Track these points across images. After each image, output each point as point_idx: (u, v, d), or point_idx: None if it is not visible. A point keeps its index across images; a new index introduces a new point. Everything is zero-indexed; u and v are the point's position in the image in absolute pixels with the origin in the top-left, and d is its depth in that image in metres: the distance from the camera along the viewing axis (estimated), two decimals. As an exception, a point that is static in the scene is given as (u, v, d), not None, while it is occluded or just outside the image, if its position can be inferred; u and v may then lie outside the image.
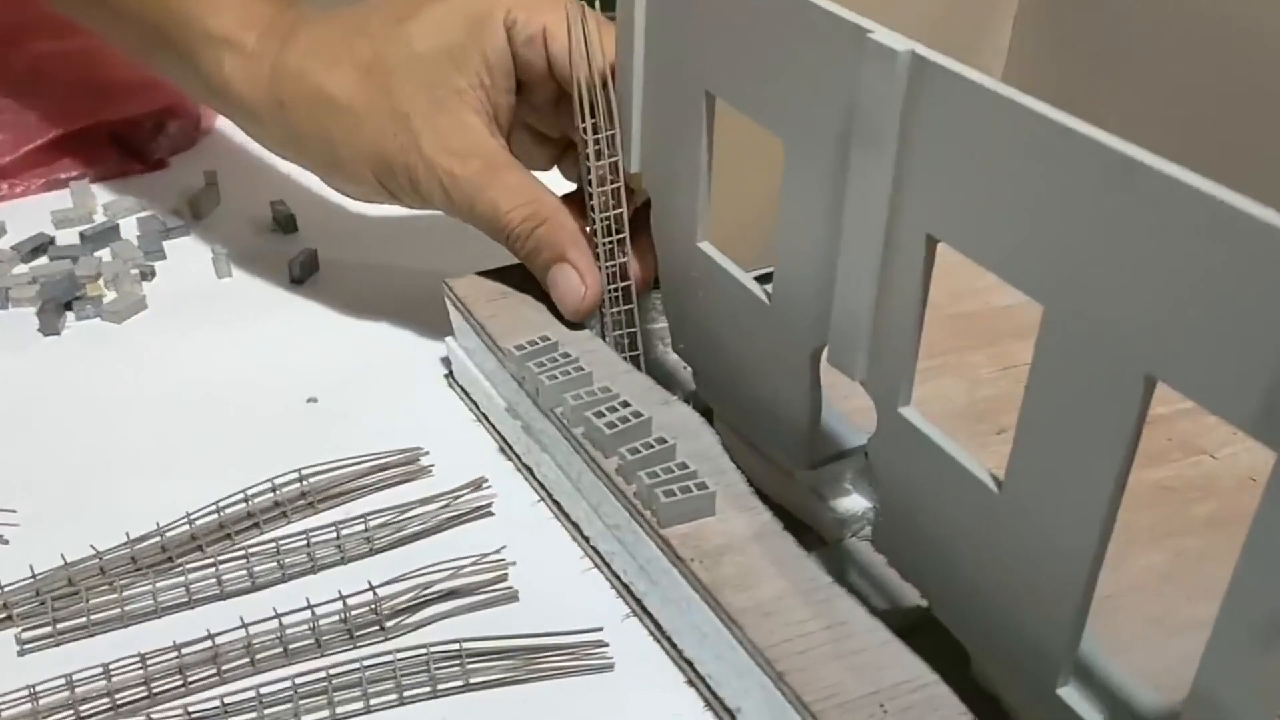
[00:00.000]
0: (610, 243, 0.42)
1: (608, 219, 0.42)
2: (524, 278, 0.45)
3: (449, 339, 0.47)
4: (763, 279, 0.45)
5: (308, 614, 0.36)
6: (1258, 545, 0.22)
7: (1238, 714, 0.24)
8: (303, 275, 0.55)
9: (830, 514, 0.39)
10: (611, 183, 0.41)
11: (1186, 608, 0.33)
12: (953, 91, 0.27)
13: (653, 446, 0.36)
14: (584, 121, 0.40)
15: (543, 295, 0.44)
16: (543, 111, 0.47)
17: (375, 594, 0.36)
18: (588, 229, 0.43)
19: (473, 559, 0.37)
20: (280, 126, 0.48)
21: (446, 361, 0.48)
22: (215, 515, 0.39)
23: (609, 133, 0.41)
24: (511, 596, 0.38)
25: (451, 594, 0.37)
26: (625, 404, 0.38)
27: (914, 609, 0.36)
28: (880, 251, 0.30)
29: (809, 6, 0.31)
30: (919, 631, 0.33)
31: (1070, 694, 0.29)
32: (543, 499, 0.42)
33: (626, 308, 0.43)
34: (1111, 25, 0.43)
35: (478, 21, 0.45)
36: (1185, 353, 0.23)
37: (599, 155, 0.41)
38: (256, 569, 0.38)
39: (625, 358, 0.43)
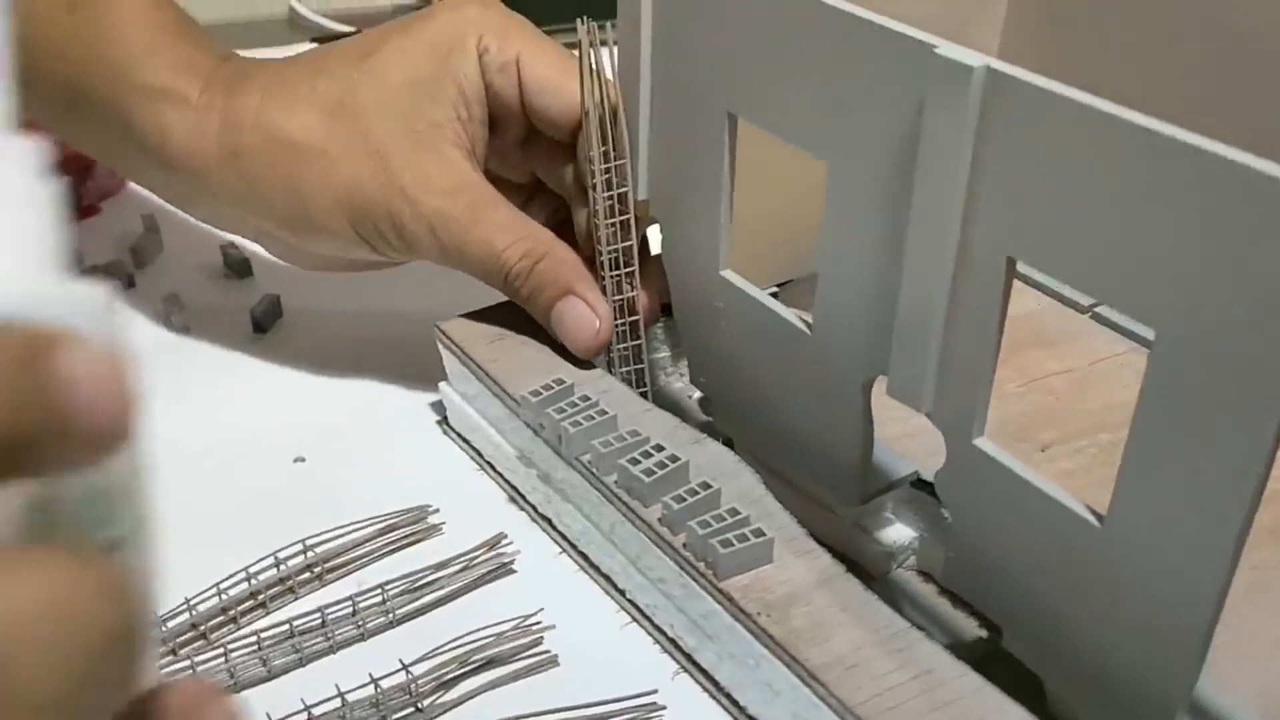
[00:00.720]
0: (618, 275, 0.40)
1: (615, 252, 0.40)
2: (518, 316, 0.43)
3: (443, 384, 0.44)
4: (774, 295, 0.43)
5: (337, 702, 0.33)
6: None
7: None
8: (266, 323, 0.51)
9: (876, 547, 0.37)
10: (620, 214, 0.39)
11: (1275, 625, 0.32)
12: (1036, 107, 0.26)
13: (697, 493, 0.34)
14: (593, 150, 0.38)
15: (542, 334, 0.42)
16: (508, 153, 0.45)
17: (409, 672, 0.34)
18: (596, 262, 0.40)
19: (513, 623, 0.35)
20: (235, 181, 0.43)
21: (439, 407, 0.45)
22: (216, 598, 0.36)
23: (618, 162, 0.38)
24: (551, 661, 0.35)
25: (488, 664, 0.35)
26: (659, 448, 0.36)
27: (978, 641, 0.35)
28: (951, 277, 0.29)
29: (860, 22, 0.29)
30: (985, 664, 0.31)
31: (1184, 731, 0.27)
32: (564, 550, 0.39)
33: (635, 343, 0.41)
34: (1109, 8, 0.42)
35: (449, 50, 0.42)
36: (1332, 377, 0.22)
37: (608, 185, 0.39)
38: (269, 654, 0.35)
39: (636, 393, 0.41)
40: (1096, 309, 0.45)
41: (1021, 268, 0.47)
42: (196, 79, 0.44)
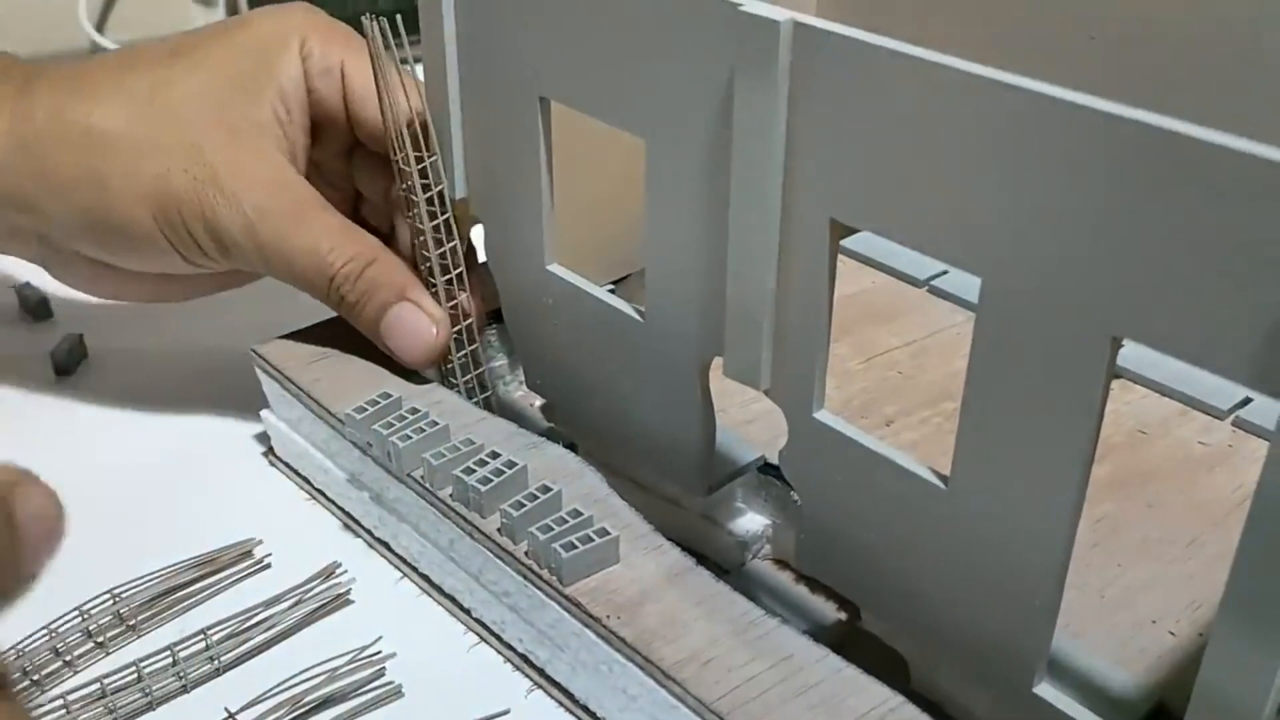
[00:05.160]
0: (448, 281, 0.38)
1: (441, 256, 0.38)
2: (340, 335, 0.40)
3: (265, 412, 0.41)
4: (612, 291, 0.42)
5: (156, 761, 0.30)
6: (1257, 538, 0.21)
7: (1248, 710, 0.22)
8: (69, 365, 0.47)
9: (728, 538, 0.36)
10: (442, 214, 0.37)
11: (1122, 576, 0.32)
12: (845, 59, 0.25)
13: (536, 497, 0.32)
14: (402, 150, 0.36)
15: (368, 350, 0.39)
16: (330, 166, 0.42)
17: (237, 721, 0.31)
18: (422, 271, 0.38)
19: (349, 656, 0.32)
20: (22, 175, 0.39)
21: (264, 438, 0.42)
22: (16, 660, 0.33)
23: (431, 158, 0.36)
24: (395, 692, 0.33)
25: (326, 703, 0.32)
26: (494, 455, 0.34)
27: (837, 624, 0.34)
28: (777, 246, 0.28)
29: (662, -12, 0.28)
30: (847, 647, 0.30)
31: (1047, 690, 0.27)
32: (405, 575, 0.37)
33: (471, 348, 0.39)
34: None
35: (270, 49, 0.40)
36: (1159, 307, 0.21)
37: (425, 187, 0.37)
38: (79, 717, 0.31)
39: (477, 402, 0.39)
40: (933, 282, 0.45)
41: (855, 247, 0.47)
42: None
